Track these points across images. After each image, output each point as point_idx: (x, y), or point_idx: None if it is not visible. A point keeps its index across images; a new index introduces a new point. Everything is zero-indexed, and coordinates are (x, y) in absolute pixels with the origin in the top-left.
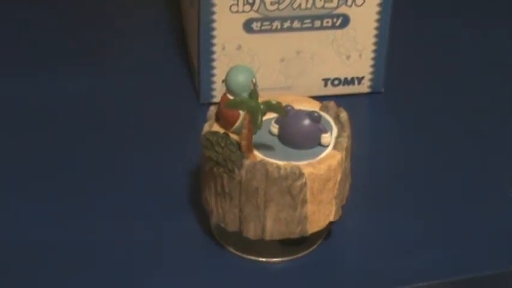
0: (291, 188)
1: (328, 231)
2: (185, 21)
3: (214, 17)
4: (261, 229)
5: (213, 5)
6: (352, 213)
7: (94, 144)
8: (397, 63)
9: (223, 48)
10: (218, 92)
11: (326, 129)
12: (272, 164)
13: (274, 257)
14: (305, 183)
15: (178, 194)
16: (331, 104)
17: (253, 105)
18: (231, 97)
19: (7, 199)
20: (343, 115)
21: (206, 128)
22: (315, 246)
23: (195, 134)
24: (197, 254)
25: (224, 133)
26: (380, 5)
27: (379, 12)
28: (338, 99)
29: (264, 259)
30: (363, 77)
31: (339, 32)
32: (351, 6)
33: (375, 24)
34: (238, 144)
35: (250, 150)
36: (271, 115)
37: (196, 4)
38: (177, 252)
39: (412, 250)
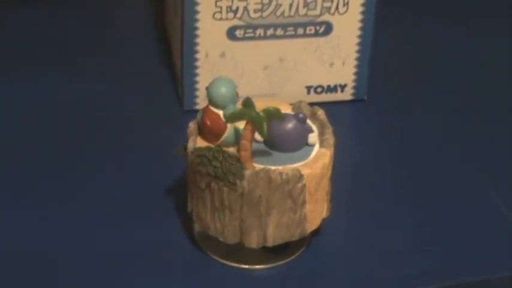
0: (292, 192)
1: (310, 239)
2: (169, 29)
3: (198, 24)
4: (263, 237)
5: (196, 12)
6: (335, 220)
7: (76, 150)
8: (380, 71)
9: (207, 56)
10: (201, 99)
11: (312, 129)
12: (274, 170)
13: (257, 264)
14: (304, 185)
15: (160, 200)
16: (303, 104)
17: (255, 115)
18: (214, 109)
19: (5, 205)
20: (320, 113)
21: (191, 144)
22: (298, 253)
23: (179, 141)
24: (179, 261)
25: (217, 146)
26: (363, 12)
27: (362, 20)
28: (321, 106)
29: (246, 266)
30: (345, 85)
31: (322, 39)
32: (333, 14)
33: (358, 32)
34: (235, 156)
35: (250, 160)
36: (240, 124)
37: (180, 12)
38: (159, 258)
39: (397, 257)
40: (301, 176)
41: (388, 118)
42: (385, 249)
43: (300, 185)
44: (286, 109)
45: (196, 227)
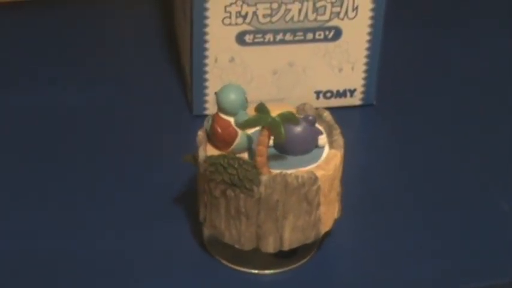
0: (308, 194)
1: (320, 243)
2: (178, 34)
3: (207, 29)
4: (279, 241)
5: (205, 17)
6: (345, 225)
7: (85, 155)
8: (390, 76)
9: (216, 61)
10: (211, 104)
11: (321, 131)
12: (290, 174)
13: (267, 269)
14: (319, 187)
15: (170, 204)
16: (307, 106)
17: (272, 120)
18: (224, 117)
19: (6, 207)
20: (326, 114)
21: (202, 153)
22: (307, 258)
23: (188, 146)
24: (189, 265)
25: (230, 153)
26: (372, 17)
27: (371, 25)
28: (330, 111)
29: (256, 271)
30: (355, 90)
31: (331, 44)
32: (343, 19)
33: (367, 37)
34: (250, 162)
35: (265, 166)
36: (250, 130)
37: (189, 16)
38: (168, 263)
39: (406, 262)
40: (316, 178)
41: (397, 123)
42: (394, 252)
43: (315, 187)
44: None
45: (206, 232)
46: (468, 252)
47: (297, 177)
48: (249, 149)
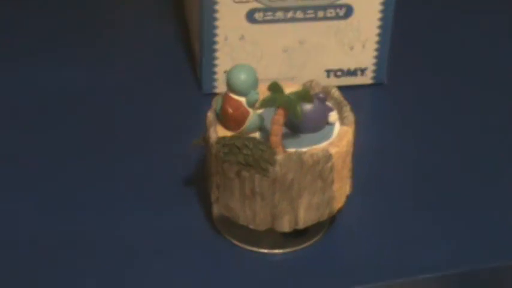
0: (322, 172)
1: (330, 223)
2: (188, 12)
3: (217, 7)
4: (294, 220)
5: None
6: (354, 205)
7: (97, 135)
8: (401, 55)
9: (226, 39)
10: (220, 82)
11: (332, 108)
12: (305, 152)
13: (276, 249)
14: (333, 164)
15: (180, 184)
16: (314, 83)
17: (288, 99)
18: (235, 97)
19: (10, 191)
20: (334, 91)
21: (213, 135)
22: (317, 238)
23: (198, 124)
24: (199, 245)
25: (244, 134)
26: None
27: (383, 3)
28: (341, 90)
29: (265, 250)
30: (366, 68)
31: (342, 22)
32: None
33: (379, 15)
34: (264, 142)
35: (280, 145)
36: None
37: None
38: (178, 243)
39: (415, 242)
40: (330, 156)
41: (408, 102)
42: (402, 234)
43: (329, 164)
44: (296, 89)
45: (216, 212)
46: (478, 235)
47: (312, 155)
48: (260, 129)
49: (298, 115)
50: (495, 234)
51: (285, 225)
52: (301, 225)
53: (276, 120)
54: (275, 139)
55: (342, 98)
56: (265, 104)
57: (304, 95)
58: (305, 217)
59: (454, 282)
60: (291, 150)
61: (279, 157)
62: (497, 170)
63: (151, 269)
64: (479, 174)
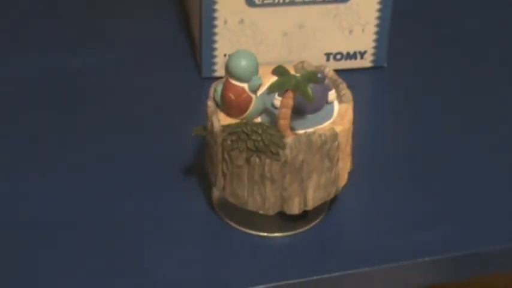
0: (330, 151)
1: (328, 207)
2: None
3: None
4: (303, 201)
5: None
6: (353, 188)
7: (93, 118)
8: (400, 38)
9: (226, 23)
10: (220, 66)
11: (331, 87)
12: (314, 133)
13: (276, 232)
14: (339, 143)
15: (180, 168)
16: (306, 63)
17: (296, 81)
18: (237, 83)
19: (7, 175)
20: (328, 70)
21: (216, 123)
22: (316, 221)
23: (197, 108)
24: (199, 229)
25: (250, 120)
26: None
27: None
28: (340, 73)
29: (265, 234)
30: (365, 52)
31: (341, 6)
32: None
33: None
34: (272, 127)
35: (288, 128)
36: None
37: None
38: (178, 226)
39: (413, 225)
40: (336, 135)
41: (408, 85)
42: (401, 217)
43: (336, 143)
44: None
45: (215, 196)
46: (478, 217)
47: (320, 135)
48: (261, 113)
49: (310, 97)
50: (494, 217)
51: (295, 208)
52: (310, 206)
53: (286, 103)
54: (284, 122)
55: (336, 77)
56: (275, 88)
57: (312, 77)
58: (314, 197)
59: (451, 265)
60: (299, 132)
61: (289, 140)
62: (495, 154)
63: (150, 253)
64: (477, 157)
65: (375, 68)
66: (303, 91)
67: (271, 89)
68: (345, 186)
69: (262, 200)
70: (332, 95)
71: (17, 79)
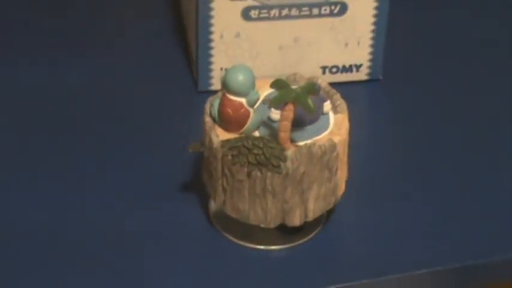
0: (329, 162)
1: (326, 219)
2: (184, 10)
3: (212, 5)
4: (304, 213)
5: None
6: (350, 201)
7: (91, 132)
8: (396, 51)
9: (222, 36)
10: (216, 79)
11: (326, 98)
12: (314, 144)
13: (273, 245)
14: (338, 153)
15: (177, 181)
16: (298, 75)
17: (295, 95)
18: (235, 98)
19: (7, 185)
20: (320, 81)
21: (215, 139)
22: (313, 234)
23: (194, 121)
24: (196, 242)
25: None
26: None
27: (377, 0)
28: (336, 86)
29: (262, 247)
30: (361, 65)
31: (337, 19)
32: None
33: (373, 12)
34: (272, 140)
35: (288, 141)
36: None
37: None
38: (176, 239)
39: (410, 238)
40: (335, 145)
41: (404, 98)
42: (399, 228)
43: (335, 153)
44: None
45: (212, 209)
46: (476, 229)
47: (320, 146)
48: (259, 127)
49: (311, 108)
50: (491, 230)
51: (296, 219)
52: (311, 217)
53: (286, 116)
54: (284, 135)
55: (329, 87)
56: (276, 102)
57: (311, 89)
58: (314, 208)
59: (450, 277)
60: (298, 144)
61: (290, 152)
62: (493, 166)
63: (148, 267)
64: (475, 170)
65: (371, 81)
66: (304, 103)
67: (273, 103)
68: (342, 195)
69: (264, 213)
70: (327, 105)
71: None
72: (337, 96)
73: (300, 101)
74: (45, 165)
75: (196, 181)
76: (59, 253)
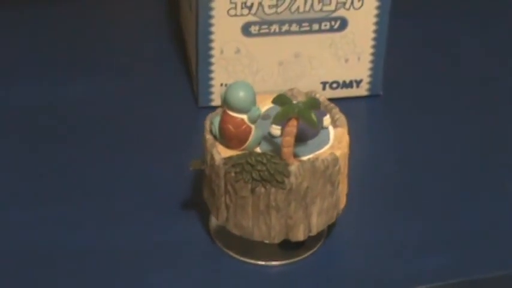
0: (331, 176)
1: (326, 234)
2: (184, 25)
3: (213, 20)
4: (308, 227)
5: (211, 8)
6: (350, 215)
7: (91, 147)
8: (396, 66)
9: (222, 52)
10: (216, 95)
11: (325, 112)
12: (317, 159)
13: (273, 261)
14: (340, 166)
15: (176, 197)
16: (296, 90)
17: (298, 110)
18: (236, 115)
19: (8, 203)
20: (319, 95)
21: (217, 156)
22: (314, 249)
23: (194, 137)
24: (196, 258)
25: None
26: (378, 7)
27: (377, 15)
28: (336, 102)
29: (263, 262)
30: (361, 80)
31: (337, 35)
32: (349, 9)
33: (373, 27)
34: (275, 156)
35: (292, 156)
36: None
37: (194, 8)
38: (176, 255)
39: (411, 253)
40: (337, 159)
41: (404, 113)
42: (400, 243)
43: (337, 167)
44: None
45: (212, 225)
46: (476, 243)
47: (323, 160)
48: (260, 143)
49: (315, 124)
50: (493, 243)
51: (300, 234)
52: (314, 231)
53: (289, 131)
54: (287, 150)
55: (328, 102)
56: (280, 117)
57: (314, 103)
58: (318, 223)
59: None
60: (301, 159)
61: (293, 167)
62: (494, 182)
63: (148, 284)
64: (475, 184)
65: (371, 96)
66: (308, 118)
67: (276, 120)
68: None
69: (268, 229)
70: (327, 120)
71: (4, 109)
72: (336, 110)
73: (304, 116)
74: (43, 182)
75: (197, 197)
76: (58, 270)
